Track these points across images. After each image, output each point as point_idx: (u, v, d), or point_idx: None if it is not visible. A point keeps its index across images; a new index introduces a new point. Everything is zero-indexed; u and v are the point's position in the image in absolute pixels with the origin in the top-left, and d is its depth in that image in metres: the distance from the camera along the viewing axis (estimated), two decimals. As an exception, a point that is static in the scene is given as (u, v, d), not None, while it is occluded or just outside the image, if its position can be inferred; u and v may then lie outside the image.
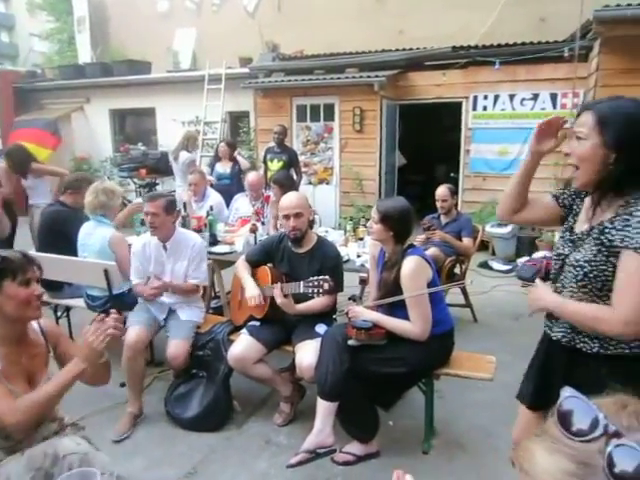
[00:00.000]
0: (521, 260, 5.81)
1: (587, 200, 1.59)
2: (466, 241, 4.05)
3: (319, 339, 2.60)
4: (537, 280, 1.65)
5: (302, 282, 2.53)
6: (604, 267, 1.42)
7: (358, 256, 3.40)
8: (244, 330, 2.89)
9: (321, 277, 2.45)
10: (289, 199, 2.83)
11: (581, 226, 1.56)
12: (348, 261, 3.42)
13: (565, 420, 0.55)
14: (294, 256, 2.86)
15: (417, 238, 4.05)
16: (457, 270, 4.28)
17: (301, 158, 7.33)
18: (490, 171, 6.80)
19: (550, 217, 1.70)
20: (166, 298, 3.15)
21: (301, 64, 8.23)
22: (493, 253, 6.48)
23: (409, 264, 2.36)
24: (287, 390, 2.94)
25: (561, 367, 1.57)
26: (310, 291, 2.48)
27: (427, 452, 2.65)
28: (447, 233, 4.08)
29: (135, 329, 2.95)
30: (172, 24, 10.39)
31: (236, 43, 9.04)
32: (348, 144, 7.39)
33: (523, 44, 6.88)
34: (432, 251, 3.89)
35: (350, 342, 2.43)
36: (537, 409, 1.69)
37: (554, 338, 1.59)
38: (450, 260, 3.97)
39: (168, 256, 3.13)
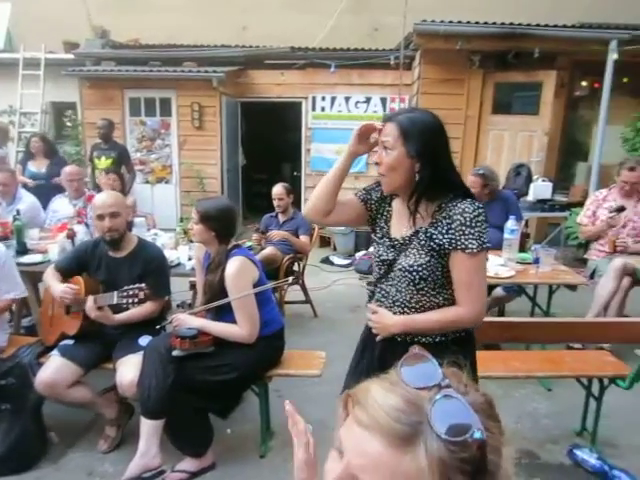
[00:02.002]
0: (359, 254, 6.16)
1: (396, 206, 1.65)
2: (303, 238, 4.12)
3: (142, 352, 2.39)
4: (370, 305, 1.67)
5: (116, 292, 2.29)
6: (436, 269, 1.51)
7: (189, 259, 3.22)
8: (55, 351, 2.54)
9: (136, 285, 2.25)
10: (103, 197, 2.56)
11: (399, 231, 1.61)
12: (179, 265, 3.22)
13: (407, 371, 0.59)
14: (112, 262, 2.59)
15: (253, 237, 4.01)
16: (296, 268, 4.32)
17: (136, 155, 6.84)
18: (329, 170, 7.06)
19: (358, 218, 1.73)
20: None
21: (135, 54, 7.66)
22: (334, 249, 6.76)
23: (233, 265, 2.28)
24: (112, 412, 2.66)
25: (378, 356, 1.64)
26: (125, 302, 2.25)
27: (264, 456, 2.60)
28: (285, 231, 4.10)
29: None
30: (-21, -3, 8.89)
31: (60, 25, 8.04)
32: (187, 141, 7.08)
33: (356, 50, 7.28)
34: (269, 250, 3.88)
35: (175, 353, 2.27)
36: None
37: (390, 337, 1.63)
38: (288, 258, 3.99)
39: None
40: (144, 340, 2.50)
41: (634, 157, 4.36)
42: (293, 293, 4.43)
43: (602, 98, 5.69)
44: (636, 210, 3.82)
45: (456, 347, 1.56)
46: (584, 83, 6.76)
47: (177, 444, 2.39)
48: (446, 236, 1.48)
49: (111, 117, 6.10)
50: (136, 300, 2.23)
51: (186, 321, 2.34)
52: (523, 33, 5.82)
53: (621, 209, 3.74)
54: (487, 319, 3.13)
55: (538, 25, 5.91)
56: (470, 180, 3.70)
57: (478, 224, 1.46)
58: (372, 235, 1.72)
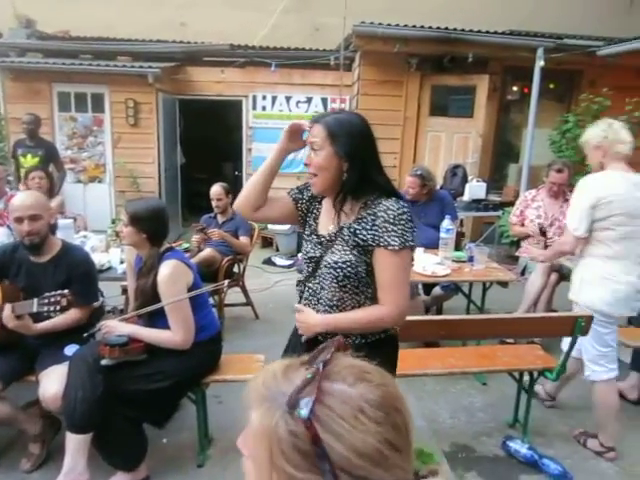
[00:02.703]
0: (301, 255, 6.13)
1: (325, 204, 1.67)
2: (243, 239, 4.03)
3: (68, 363, 2.23)
4: (297, 305, 1.65)
5: (36, 300, 2.13)
6: (359, 266, 1.51)
7: (121, 262, 3.06)
8: (-32, 364, 2.33)
9: (58, 292, 2.09)
10: (22, 198, 2.38)
11: (326, 228, 1.62)
12: (110, 269, 3.06)
13: (312, 354, 0.64)
14: (33, 267, 2.41)
15: (193, 239, 3.89)
16: (236, 269, 4.23)
17: (67, 153, 6.49)
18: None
19: (288, 217, 1.76)
20: None
21: (64, 46, 7.24)
22: (277, 249, 6.70)
23: (166, 269, 2.18)
24: (35, 428, 2.48)
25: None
26: (46, 309, 2.10)
27: (202, 465, 2.51)
28: (225, 232, 3.99)
29: None
30: None
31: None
32: (122, 139, 6.77)
33: (297, 49, 7.25)
34: (208, 252, 3.78)
35: (103, 362, 2.14)
36: None
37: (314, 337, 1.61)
38: (228, 259, 3.90)
39: None
40: (70, 350, 2.35)
41: (561, 159, 4.59)
42: (234, 295, 4.33)
43: (531, 102, 5.97)
44: (562, 210, 4.02)
45: (376, 350, 1.55)
46: (515, 88, 7.08)
47: (108, 459, 2.26)
48: (370, 232, 1.50)
49: (38, 112, 5.70)
50: (58, 308, 2.08)
51: (116, 328, 2.21)
52: (457, 37, 6.01)
53: (543, 233, 3.90)
54: (425, 318, 3.21)
55: (471, 30, 6.13)
56: (408, 180, 3.77)
57: (402, 222, 1.48)
58: (302, 233, 1.73)
